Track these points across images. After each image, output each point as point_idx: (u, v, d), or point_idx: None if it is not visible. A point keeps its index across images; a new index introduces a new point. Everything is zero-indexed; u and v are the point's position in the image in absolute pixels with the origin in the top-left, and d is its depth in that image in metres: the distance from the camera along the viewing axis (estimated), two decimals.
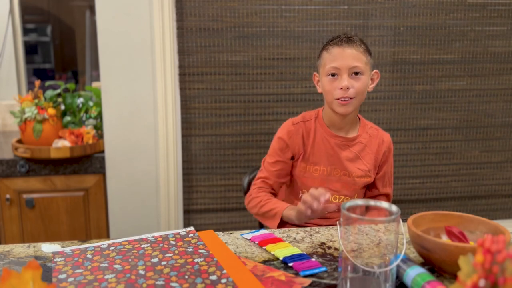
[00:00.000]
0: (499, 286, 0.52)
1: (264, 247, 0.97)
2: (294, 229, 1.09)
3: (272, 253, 0.94)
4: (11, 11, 2.45)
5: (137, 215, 1.99)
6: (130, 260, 0.88)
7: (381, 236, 0.73)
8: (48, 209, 1.93)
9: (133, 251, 0.92)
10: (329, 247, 0.98)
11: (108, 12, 1.83)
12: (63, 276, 0.82)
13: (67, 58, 3.13)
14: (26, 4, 2.68)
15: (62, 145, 1.89)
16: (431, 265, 0.86)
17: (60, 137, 1.96)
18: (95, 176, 1.95)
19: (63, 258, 0.90)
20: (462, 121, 2.17)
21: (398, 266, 0.81)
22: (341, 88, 1.18)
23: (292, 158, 1.31)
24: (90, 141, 1.95)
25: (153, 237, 1.00)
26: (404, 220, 0.94)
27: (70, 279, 0.81)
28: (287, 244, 0.97)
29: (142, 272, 0.83)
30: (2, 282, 0.58)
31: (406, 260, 0.82)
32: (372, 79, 1.27)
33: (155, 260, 0.88)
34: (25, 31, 2.72)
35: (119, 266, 0.86)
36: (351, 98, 1.19)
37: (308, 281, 0.82)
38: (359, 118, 1.33)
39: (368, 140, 1.30)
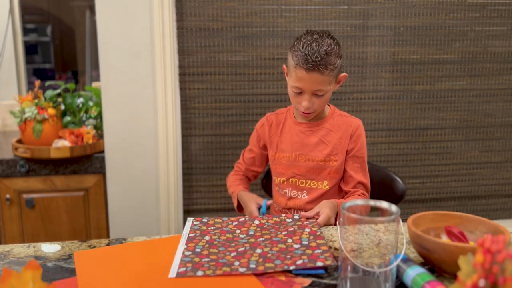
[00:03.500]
0: (499, 286, 0.52)
1: None
2: None
3: None
4: (11, 11, 2.45)
5: (137, 215, 1.99)
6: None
7: (381, 236, 0.73)
8: (48, 209, 1.93)
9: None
10: (329, 247, 0.98)
11: (108, 12, 1.83)
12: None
13: (67, 58, 3.13)
14: (26, 4, 2.68)
15: (62, 145, 1.89)
16: (431, 265, 0.86)
17: (60, 137, 1.96)
18: (95, 176, 1.95)
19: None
20: (462, 121, 2.17)
21: (398, 266, 0.81)
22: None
23: (265, 147, 1.43)
24: (90, 141, 1.95)
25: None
26: (404, 220, 0.94)
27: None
28: None
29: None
30: (2, 282, 0.58)
31: (406, 260, 0.82)
32: (339, 81, 1.29)
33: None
34: (25, 31, 2.72)
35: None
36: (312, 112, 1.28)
37: (308, 281, 0.82)
38: (330, 107, 1.37)
39: (334, 125, 1.32)
